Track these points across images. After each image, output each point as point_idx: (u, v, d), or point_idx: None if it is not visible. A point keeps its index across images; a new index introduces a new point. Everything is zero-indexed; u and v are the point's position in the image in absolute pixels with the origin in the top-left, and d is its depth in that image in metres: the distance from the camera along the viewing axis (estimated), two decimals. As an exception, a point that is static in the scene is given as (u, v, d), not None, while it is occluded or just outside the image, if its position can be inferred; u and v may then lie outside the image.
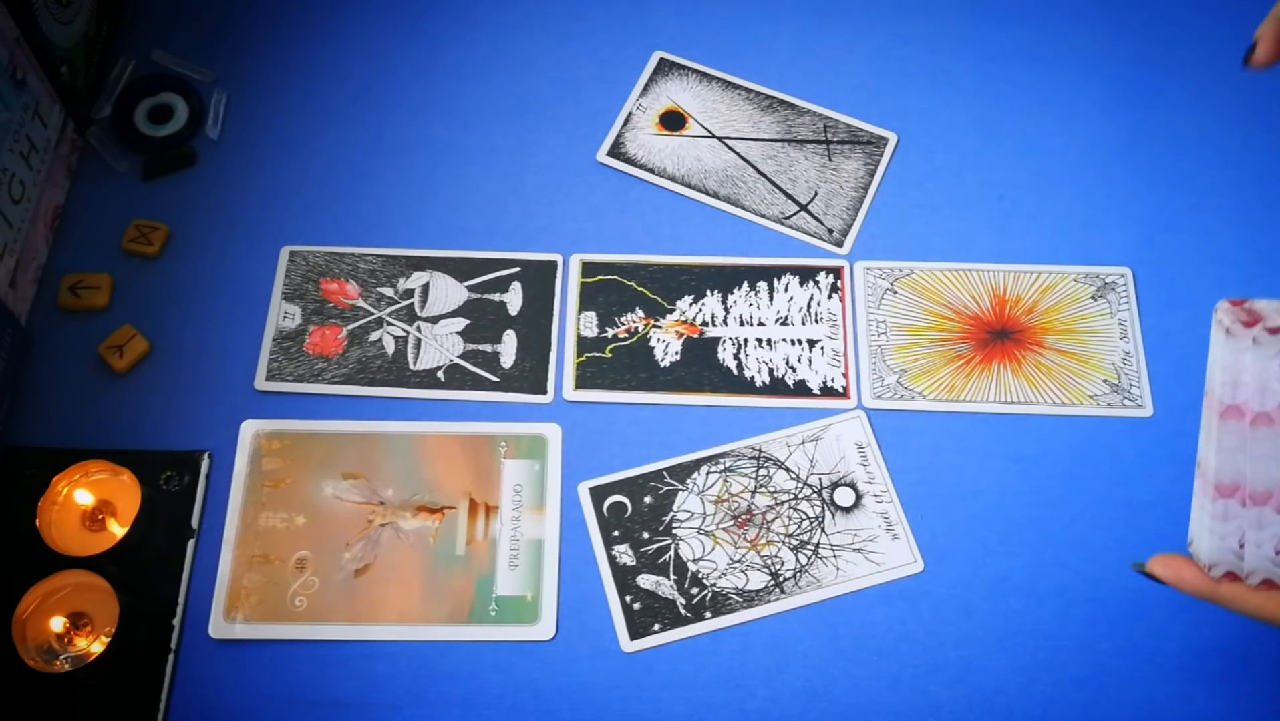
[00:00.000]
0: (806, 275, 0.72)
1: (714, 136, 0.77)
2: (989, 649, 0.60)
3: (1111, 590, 0.62)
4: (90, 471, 0.64)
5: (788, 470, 0.65)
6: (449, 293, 0.71)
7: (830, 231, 0.73)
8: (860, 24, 0.82)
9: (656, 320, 0.70)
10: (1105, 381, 0.68)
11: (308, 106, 0.78)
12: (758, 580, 0.62)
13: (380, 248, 0.73)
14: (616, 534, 0.64)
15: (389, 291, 0.71)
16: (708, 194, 0.74)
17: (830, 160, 0.76)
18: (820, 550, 0.63)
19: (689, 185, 0.75)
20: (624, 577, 0.62)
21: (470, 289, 0.71)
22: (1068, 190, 0.75)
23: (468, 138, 0.77)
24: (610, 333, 0.70)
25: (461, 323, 0.70)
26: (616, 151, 0.76)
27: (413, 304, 0.71)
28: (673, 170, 0.75)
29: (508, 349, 0.69)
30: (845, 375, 0.68)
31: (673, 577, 0.62)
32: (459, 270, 0.72)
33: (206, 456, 0.66)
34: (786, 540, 0.63)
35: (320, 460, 0.65)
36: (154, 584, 0.62)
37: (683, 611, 0.61)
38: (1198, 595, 0.48)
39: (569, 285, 0.71)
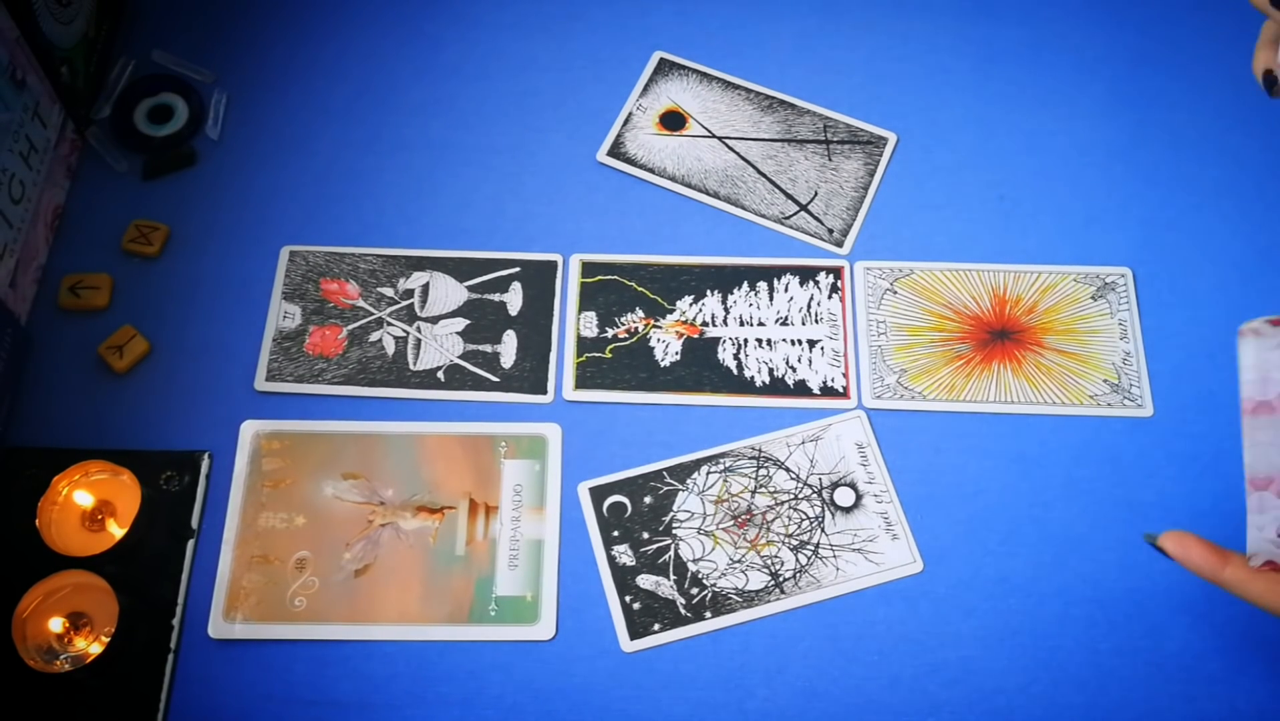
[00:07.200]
0: (806, 275, 0.72)
1: (714, 136, 0.77)
2: (989, 649, 0.60)
3: (1111, 590, 0.62)
4: (90, 471, 0.64)
5: (788, 470, 0.65)
6: (449, 293, 0.71)
7: (830, 231, 0.73)
8: (860, 24, 0.82)
9: (656, 320, 0.70)
10: (1105, 381, 0.68)
11: (308, 106, 0.78)
12: (758, 580, 0.62)
13: (380, 248, 0.73)
14: (616, 534, 0.63)
15: (389, 291, 0.71)
16: (708, 194, 0.74)
17: (830, 160, 0.76)
18: (820, 550, 0.63)
19: (689, 185, 0.75)
20: (624, 577, 0.62)
21: (470, 289, 0.71)
22: (1068, 190, 0.75)
23: (468, 138, 0.77)
24: (610, 332, 0.70)
25: (461, 323, 0.70)
26: (616, 151, 0.76)
27: (413, 304, 0.71)
28: (673, 170, 0.75)
29: (508, 349, 0.69)
30: (845, 375, 0.68)
31: (673, 577, 0.62)
32: (459, 270, 0.72)
33: (206, 456, 0.66)
34: (786, 540, 0.63)
35: (320, 460, 0.65)
36: (153, 584, 0.62)
37: (683, 611, 0.61)
38: (1202, 575, 0.49)
39: (569, 285, 0.71)
